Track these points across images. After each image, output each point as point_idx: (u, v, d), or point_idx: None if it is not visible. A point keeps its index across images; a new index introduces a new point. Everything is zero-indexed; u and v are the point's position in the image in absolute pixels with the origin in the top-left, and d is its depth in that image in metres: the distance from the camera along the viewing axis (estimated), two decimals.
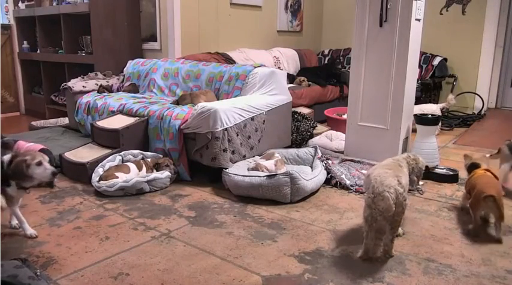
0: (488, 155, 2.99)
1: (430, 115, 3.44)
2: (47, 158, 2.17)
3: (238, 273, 1.93)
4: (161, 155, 3.24)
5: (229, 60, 4.67)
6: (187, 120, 3.11)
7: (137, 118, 3.40)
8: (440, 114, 4.13)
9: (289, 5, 6.09)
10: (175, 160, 3.16)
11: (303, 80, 5.14)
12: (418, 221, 2.49)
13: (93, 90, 4.26)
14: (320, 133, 4.03)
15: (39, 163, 2.11)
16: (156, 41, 4.89)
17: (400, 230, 2.28)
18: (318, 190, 2.96)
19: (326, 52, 6.52)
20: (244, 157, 3.23)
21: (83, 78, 4.50)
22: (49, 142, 3.69)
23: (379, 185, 1.94)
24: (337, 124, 4.34)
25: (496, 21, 5.43)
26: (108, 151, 3.20)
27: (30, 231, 2.23)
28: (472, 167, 2.57)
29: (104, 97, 3.90)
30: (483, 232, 2.34)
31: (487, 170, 2.49)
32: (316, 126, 4.14)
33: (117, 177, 2.88)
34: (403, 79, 3.14)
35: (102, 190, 2.83)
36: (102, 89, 4.21)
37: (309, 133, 3.96)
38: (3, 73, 5.59)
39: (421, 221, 2.49)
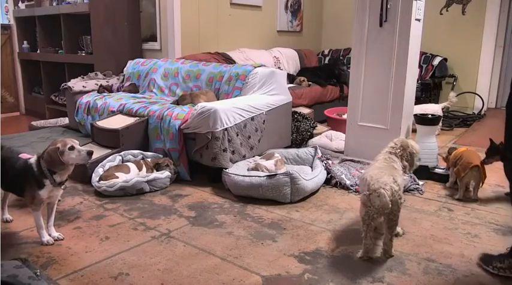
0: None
1: (430, 115, 3.44)
2: (76, 142, 2.15)
3: (238, 273, 1.93)
4: (161, 155, 3.24)
5: (229, 60, 4.67)
6: (187, 120, 3.11)
7: (137, 118, 3.40)
8: (441, 114, 4.13)
9: (289, 5, 6.09)
10: (175, 160, 3.16)
11: (303, 80, 5.14)
12: (418, 221, 2.49)
13: (93, 90, 4.26)
14: (320, 133, 4.02)
15: (72, 148, 2.09)
16: (156, 41, 4.89)
17: (400, 230, 2.28)
18: (318, 190, 2.96)
19: (326, 52, 6.52)
20: (244, 157, 3.23)
21: (83, 78, 4.50)
22: (49, 142, 3.68)
23: (375, 183, 1.95)
24: (337, 124, 4.34)
25: (496, 21, 5.43)
26: (108, 151, 3.20)
27: (46, 237, 2.19)
28: (452, 149, 3.07)
29: (104, 97, 3.90)
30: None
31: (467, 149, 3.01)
32: (316, 126, 4.14)
33: (117, 177, 2.88)
34: (403, 79, 3.14)
35: (102, 190, 2.83)
36: (102, 89, 4.21)
37: (309, 133, 3.96)
38: (3, 73, 5.60)
39: (421, 221, 2.49)
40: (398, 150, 2.24)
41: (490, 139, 2.88)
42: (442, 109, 4.38)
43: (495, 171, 3.37)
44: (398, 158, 2.21)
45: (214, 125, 2.98)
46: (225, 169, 2.98)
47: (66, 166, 2.10)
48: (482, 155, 2.91)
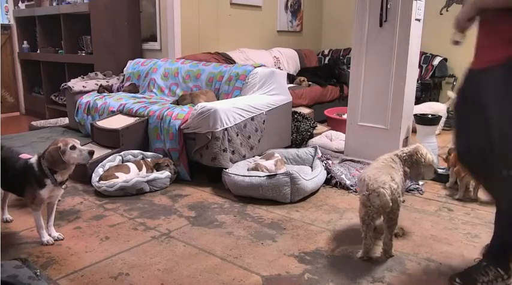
0: None
1: (430, 115, 3.43)
2: (77, 141, 2.14)
3: (238, 273, 1.93)
4: (161, 155, 3.24)
5: (229, 60, 4.66)
6: (187, 120, 3.11)
7: (137, 118, 3.40)
8: (446, 114, 4.14)
9: (289, 5, 6.09)
10: (175, 160, 3.16)
11: (303, 80, 5.14)
12: (418, 221, 2.49)
13: (93, 90, 4.26)
14: (320, 133, 4.02)
15: (73, 147, 2.09)
16: (156, 41, 4.89)
17: (399, 231, 2.28)
18: (318, 190, 2.96)
19: (326, 52, 6.52)
20: (244, 157, 3.23)
21: (83, 78, 4.50)
22: (49, 142, 3.68)
23: (374, 182, 1.94)
24: (337, 124, 4.34)
25: None
26: (108, 151, 3.20)
27: (46, 237, 2.19)
28: (452, 150, 2.98)
29: (104, 97, 3.91)
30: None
31: None
32: (316, 126, 4.14)
33: (117, 177, 2.88)
34: (403, 79, 3.14)
35: (102, 190, 2.83)
36: (102, 89, 4.22)
37: (309, 133, 3.96)
38: (3, 73, 5.60)
39: (421, 221, 2.49)
40: (404, 154, 2.23)
41: None
42: (447, 109, 4.41)
43: None
44: (400, 161, 2.20)
45: (214, 125, 2.98)
46: (225, 169, 2.98)
47: (68, 165, 2.10)
48: None
